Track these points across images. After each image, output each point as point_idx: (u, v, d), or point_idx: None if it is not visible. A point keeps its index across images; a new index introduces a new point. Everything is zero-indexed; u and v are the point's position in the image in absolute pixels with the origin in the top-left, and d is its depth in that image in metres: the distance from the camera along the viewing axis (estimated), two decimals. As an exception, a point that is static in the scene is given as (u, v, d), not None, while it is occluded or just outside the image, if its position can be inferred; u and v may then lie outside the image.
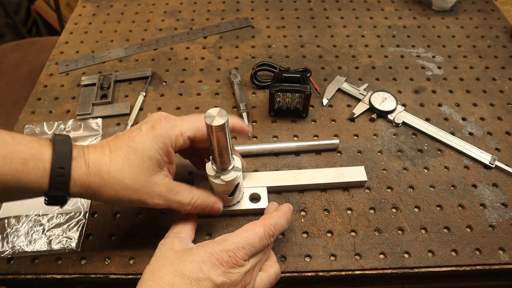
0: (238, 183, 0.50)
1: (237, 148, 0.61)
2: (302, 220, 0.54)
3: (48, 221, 0.54)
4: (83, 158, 0.42)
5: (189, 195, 0.46)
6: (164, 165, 0.45)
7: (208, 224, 0.54)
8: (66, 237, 0.52)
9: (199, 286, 0.39)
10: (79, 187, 0.42)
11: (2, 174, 0.39)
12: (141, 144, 0.43)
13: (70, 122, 0.66)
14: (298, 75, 0.64)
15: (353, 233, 0.53)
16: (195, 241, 0.50)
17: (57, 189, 0.41)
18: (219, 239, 0.43)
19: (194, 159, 0.54)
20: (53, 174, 0.40)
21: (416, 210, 0.56)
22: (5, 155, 0.39)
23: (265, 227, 0.44)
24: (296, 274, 0.50)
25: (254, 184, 0.56)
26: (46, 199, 0.42)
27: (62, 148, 0.41)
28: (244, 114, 0.66)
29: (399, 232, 0.53)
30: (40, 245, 0.52)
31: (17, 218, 0.54)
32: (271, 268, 0.46)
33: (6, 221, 0.54)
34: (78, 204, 0.56)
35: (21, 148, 0.40)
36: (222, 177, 0.47)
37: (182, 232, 0.47)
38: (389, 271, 0.50)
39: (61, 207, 0.44)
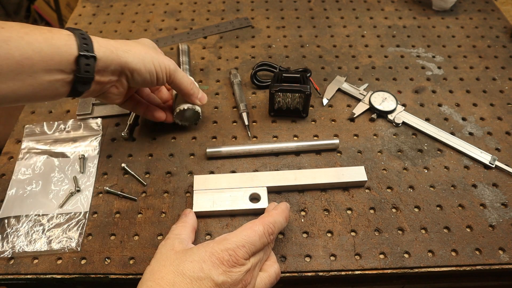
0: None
1: (237, 148, 0.61)
2: (302, 220, 0.54)
3: (48, 221, 0.54)
4: (99, 40, 0.49)
5: (189, 77, 0.59)
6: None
7: (208, 224, 0.54)
8: (66, 237, 0.52)
9: (200, 285, 0.39)
10: (104, 47, 0.47)
11: (37, 41, 0.42)
12: (141, 40, 0.56)
13: (70, 122, 0.66)
14: (298, 75, 0.64)
15: (353, 233, 0.53)
16: (195, 241, 0.50)
17: (86, 50, 0.45)
18: (219, 239, 0.43)
19: (139, 108, 0.61)
20: (78, 36, 0.46)
21: (416, 210, 0.56)
22: (33, 28, 0.43)
23: (264, 225, 0.44)
24: (296, 274, 0.50)
25: (254, 184, 0.56)
26: (78, 72, 0.45)
27: (80, 32, 0.47)
28: (244, 114, 0.66)
29: (399, 232, 0.53)
30: (40, 245, 0.52)
31: (17, 218, 0.54)
32: (271, 268, 0.46)
33: (6, 221, 0.54)
34: (78, 204, 0.56)
35: (40, 26, 0.45)
36: None
37: (182, 234, 0.47)
38: (389, 271, 0.50)
39: (81, 95, 0.48)
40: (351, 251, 0.51)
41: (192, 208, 0.54)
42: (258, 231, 0.44)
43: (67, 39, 0.45)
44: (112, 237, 0.53)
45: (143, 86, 0.58)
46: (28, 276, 0.50)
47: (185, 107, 0.60)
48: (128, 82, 0.53)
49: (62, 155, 0.62)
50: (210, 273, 0.40)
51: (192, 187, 0.56)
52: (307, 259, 0.51)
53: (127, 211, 0.55)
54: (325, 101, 0.69)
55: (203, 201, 0.54)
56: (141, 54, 0.51)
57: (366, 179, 0.57)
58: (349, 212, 0.55)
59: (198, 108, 0.62)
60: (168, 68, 0.54)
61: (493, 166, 0.60)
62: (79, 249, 0.51)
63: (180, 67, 0.71)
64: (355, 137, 0.64)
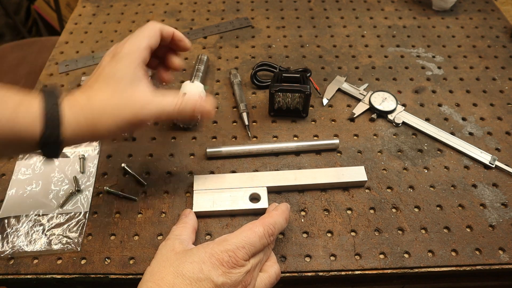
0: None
1: (237, 148, 0.61)
2: (302, 220, 0.54)
3: (48, 221, 0.54)
4: (69, 97, 0.44)
5: (175, 97, 0.47)
6: (143, 76, 0.47)
7: (208, 224, 0.54)
8: (66, 237, 0.52)
9: (200, 287, 0.39)
10: (73, 120, 0.42)
11: None
12: (113, 68, 0.45)
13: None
14: (298, 75, 0.64)
15: (353, 233, 0.53)
16: (195, 242, 0.50)
17: (48, 136, 0.41)
18: (219, 240, 0.43)
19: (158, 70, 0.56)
20: (46, 126, 0.41)
21: (416, 210, 0.56)
22: None
23: (264, 226, 0.44)
24: (296, 274, 0.50)
25: (254, 184, 0.56)
26: (44, 125, 0.41)
27: (50, 89, 0.43)
28: (244, 114, 0.66)
29: (399, 232, 0.53)
30: (40, 245, 0.52)
31: (17, 218, 0.54)
32: (272, 269, 0.46)
33: (6, 221, 0.54)
34: (78, 204, 0.56)
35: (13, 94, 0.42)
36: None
37: (183, 234, 0.47)
38: (389, 271, 0.50)
39: (56, 156, 0.44)
40: (351, 251, 0.51)
41: (192, 208, 0.54)
42: (258, 232, 0.43)
43: (33, 120, 0.40)
44: (112, 237, 0.53)
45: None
46: (28, 276, 0.50)
47: None
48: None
49: (62, 155, 0.62)
50: (210, 274, 0.40)
51: (192, 187, 0.56)
52: (307, 259, 0.51)
53: (127, 211, 0.55)
54: (325, 101, 0.69)
55: (203, 201, 0.54)
56: (112, 110, 0.44)
57: (366, 179, 0.57)
58: (349, 212, 0.55)
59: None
60: (145, 112, 0.46)
61: (493, 166, 0.60)
62: (79, 249, 0.51)
63: (194, 72, 0.71)
64: (355, 137, 0.64)
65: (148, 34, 0.48)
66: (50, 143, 0.41)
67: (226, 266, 0.40)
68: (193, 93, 0.65)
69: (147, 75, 0.48)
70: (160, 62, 0.56)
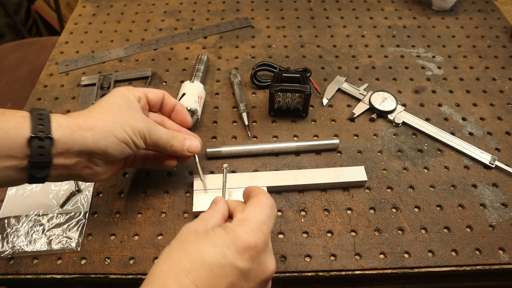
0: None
1: (237, 148, 0.61)
2: (302, 220, 0.54)
3: (48, 221, 0.54)
4: (60, 118, 0.42)
5: (166, 130, 0.49)
6: (139, 107, 0.48)
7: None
8: (66, 237, 0.52)
9: (221, 274, 0.35)
10: (64, 127, 0.41)
11: None
12: (110, 98, 0.47)
13: (70, 122, 0.66)
14: (298, 75, 0.64)
15: (353, 233, 0.53)
16: None
17: (40, 131, 0.39)
18: (238, 220, 0.39)
19: (148, 160, 0.55)
20: (34, 117, 0.40)
21: (416, 210, 0.56)
22: None
23: (267, 195, 0.42)
24: (296, 274, 0.50)
25: (254, 184, 0.56)
26: (31, 157, 0.39)
27: (38, 108, 0.42)
28: (244, 114, 0.66)
29: (399, 232, 0.53)
30: (40, 245, 0.52)
31: (17, 218, 0.54)
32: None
33: (6, 221, 0.54)
34: (78, 204, 0.56)
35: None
36: None
37: (210, 219, 0.42)
38: (389, 271, 0.50)
39: (45, 174, 0.42)
40: (351, 251, 0.51)
41: (192, 209, 0.54)
42: (269, 203, 0.41)
43: (19, 121, 0.39)
44: (112, 237, 0.53)
45: (123, 157, 0.48)
46: (28, 276, 0.50)
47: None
48: (103, 159, 0.45)
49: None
50: (235, 260, 0.36)
51: (192, 187, 0.56)
52: (307, 259, 0.51)
53: (127, 211, 0.55)
54: (325, 101, 0.69)
55: (203, 201, 0.54)
56: (108, 126, 0.43)
57: (366, 179, 0.57)
58: (349, 212, 0.55)
59: (198, 113, 0.63)
60: (141, 132, 0.46)
61: (493, 166, 0.60)
62: (79, 249, 0.51)
63: (193, 72, 0.71)
64: (355, 137, 0.64)
65: (156, 93, 0.53)
66: (40, 142, 0.39)
67: (254, 250, 0.37)
68: (192, 93, 0.65)
69: (147, 112, 0.50)
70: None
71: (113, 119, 0.44)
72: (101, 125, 0.43)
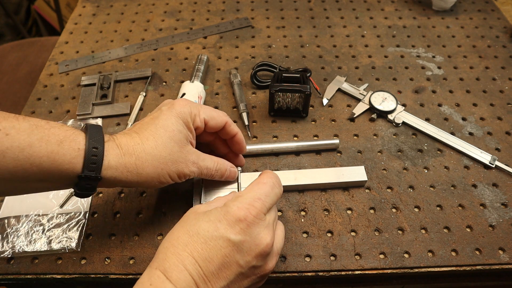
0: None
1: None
2: (302, 220, 0.54)
3: (48, 221, 0.54)
4: (115, 141, 0.44)
5: (213, 161, 0.50)
6: (189, 138, 0.48)
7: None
8: (66, 237, 0.52)
9: (214, 245, 0.38)
10: (114, 169, 0.42)
11: (38, 156, 0.39)
12: (167, 121, 0.46)
13: (70, 122, 0.66)
14: (298, 75, 0.64)
15: (353, 233, 0.53)
16: None
17: (90, 170, 0.41)
18: (233, 197, 0.42)
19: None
20: (88, 154, 0.41)
21: (416, 210, 0.56)
22: (41, 137, 0.40)
23: (270, 175, 0.44)
24: (296, 274, 0.50)
25: (254, 184, 0.56)
26: (77, 187, 0.42)
27: (95, 132, 0.43)
28: (244, 114, 0.66)
29: (399, 232, 0.53)
30: (40, 245, 0.52)
31: (17, 218, 0.54)
32: (279, 225, 0.46)
33: (6, 221, 0.54)
34: (78, 204, 0.56)
35: (55, 131, 0.41)
36: None
37: (213, 203, 0.45)
38: (389, 271, 0.50)
39: (89, 195, 0.44)
40: (351, 251, 0.51)
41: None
42: (269, 182, 0.43)
43: (73, 156, 0.41)
44: (112, 237, 0.53)
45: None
46: (28, 276, 0.50)
47: None
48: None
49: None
50: (226, 232, 0.38)
51: (192, 187, 0.56)
52: (307, 259, 0.51)
53: (127, 211, 0.55)
54: (325, 101, 0.70)
55: (203, 201, 0.54)
56: (155, 174, 0.44)
57: (366, 179, 0.57)
58: (349, 212, 0.55)
59: None
60: (186, 175, 0.47)
61: (493, 166, 0.60)
62: (79, 249, 0.51)
63: (193, 72, 0.71)
64: (355, 137, 0.64)
65: (214, 115, 0.50)
66: (88, 181, 0.42)
67: (244, 222, 0.39)
68: (192, 93, 0.65)
69: (194, 136, 0.49)
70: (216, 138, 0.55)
71: (162, 165, 0.45)
72: (147, 174, 0.44)
